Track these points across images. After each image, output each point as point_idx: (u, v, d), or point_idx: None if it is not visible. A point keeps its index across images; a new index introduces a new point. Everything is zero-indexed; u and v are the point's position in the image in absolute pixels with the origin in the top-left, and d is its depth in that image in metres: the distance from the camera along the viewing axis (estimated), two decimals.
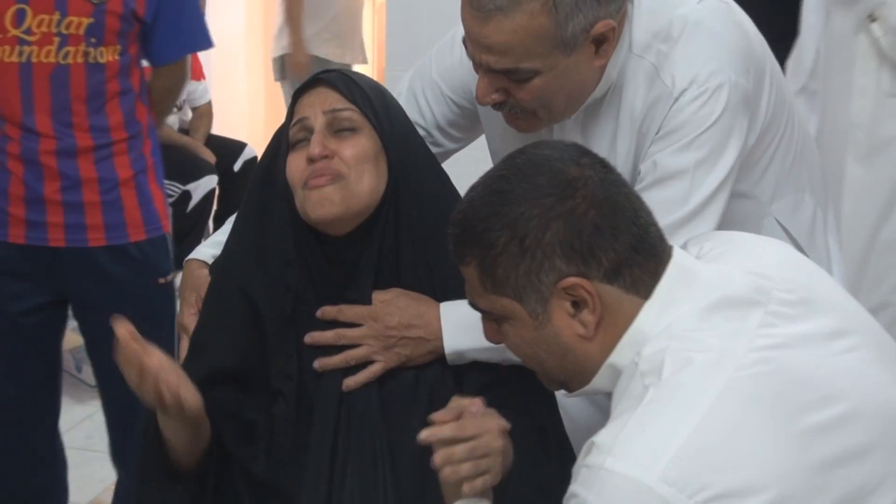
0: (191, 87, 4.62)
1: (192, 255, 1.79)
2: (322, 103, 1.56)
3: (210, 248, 1.78)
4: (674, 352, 1.23)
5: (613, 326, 1.29)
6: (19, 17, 2.25)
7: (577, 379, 1.35)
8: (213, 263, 1.72)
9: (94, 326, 2.48)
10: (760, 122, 1.70)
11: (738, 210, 1.71)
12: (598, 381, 1.32)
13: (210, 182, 4.60)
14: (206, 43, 2.57)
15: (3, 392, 2.49)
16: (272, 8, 6.72)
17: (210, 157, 4.73)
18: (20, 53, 2.28)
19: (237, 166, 4.90)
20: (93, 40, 2.29)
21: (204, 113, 4.96)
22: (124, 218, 2.41)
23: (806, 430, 1.20)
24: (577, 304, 1.28)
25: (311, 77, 1.62)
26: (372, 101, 1.59)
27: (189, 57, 2.57)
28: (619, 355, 1.29)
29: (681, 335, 1.25)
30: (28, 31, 2.27)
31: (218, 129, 5.11)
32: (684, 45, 1.62)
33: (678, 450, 1.15)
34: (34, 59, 2.28)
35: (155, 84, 2.51)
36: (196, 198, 4.52)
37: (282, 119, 1.65)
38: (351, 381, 1.59)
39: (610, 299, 1.28)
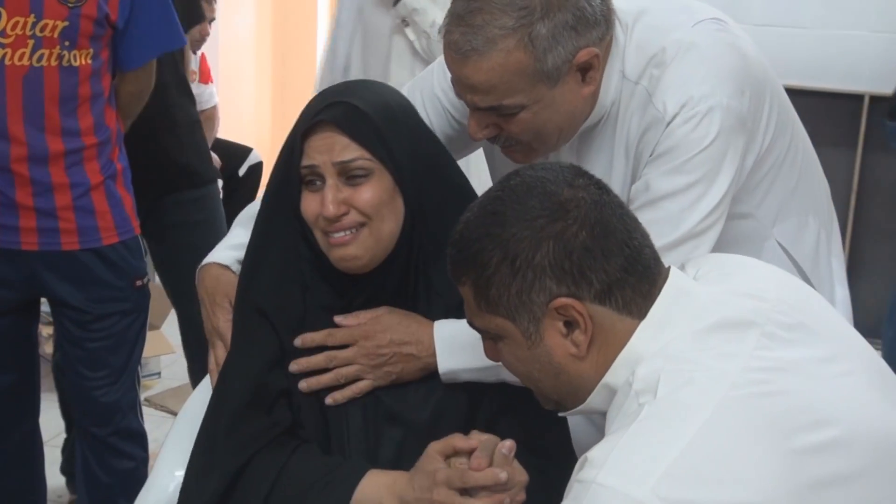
0: (198, 90, 4.60)
1: (212, 259, 1.75)
2: (330, 152, 1.54)
3: (228, 250, 1.76)
4: (669, 372, 1.24)
5: (606, 346, 1.30)
6: None
7: (571, 398, 1.36)
8: (239, 285, 1.68)
9: (67, 326, 2.52)
10: (759, 144, 1.68)
11: (739, 231, 1.70)
12: (593, 401, 1.33)
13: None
14: (177, 41, 2.57)
15: None
16: (281, 11, 6.73)
17: (216, 161, 4.72)
18: None
19: (242, 171, 4.89)
20: (66, 43, 2.30)
21: (210, 116, 4.94)
22: (97, 221, 2.42)
23: (797, 451, 1.20)
24: (570, 325, 1.30)
25: (313, 114, 1.56)
26: (381, 134, 1.55)
27: (154, 62, 2.56)
28: (614, 375, 1.30)
29: (676, 355, 1.26)
30: (2, 34, 2.28)
31: (224, 133, 5.11)
32: (675, 69, 1.60)
33: (669, 466, 1.16)
34: (7, 62, 2.29)
35: (122, 89, 2.51)
36: None
37: (288, 125, 1.63)
38: (338, 395, 1.59)
39: (602, 320, 1.29)
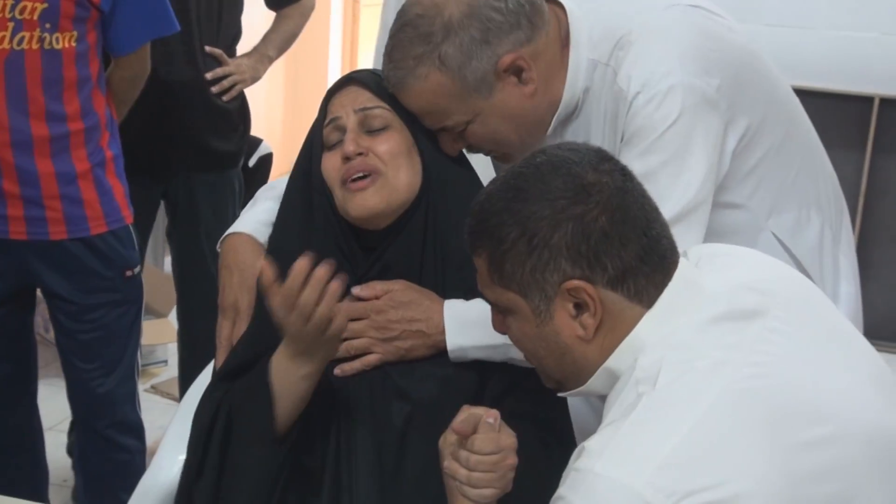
0: None
1: (243, 229, 1.75)
2: (353, 102, 1.62)
3: (259, 224, 1.75)
4: (670, 362, 1.26)
5: (613, 332, 1.32)
6: None
7: (572, 379, 1.38)
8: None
9: (59, 316, 2.50)
10: (742, 129, 1.69)
11: (730, 221, 1.72)
12: (594, 384, 1.35)
13: None
14: (170, 27, 2.53)
15: None
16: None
17: None
18: None
19: (252, 161, 4.89)
20: (48, 26, 2.25)
21: None
22: (84, 210, 2.40)
23: (793, 445, 1.22)
24: (580, 307, 1.32)
25: (342, 77, 1.67)
26: None
27: (147, 47, 2.52)
28: (616, 360, 1.32)
29: (678, 345, 1.28)
30: None
31: None
32: (638, 50, 1.63)
33: (667, 456, 1.18)
34: None
35: (115, 75, 2.48)
36: None
37: (300, 117, 1.69)
38: (346, 367, 1.62)
39: (612, 305, 1.31)
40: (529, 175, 1.34)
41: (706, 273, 1.37)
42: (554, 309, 1.32)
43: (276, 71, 6.84)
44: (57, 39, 2.28)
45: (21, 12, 2.23)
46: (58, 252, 2.41)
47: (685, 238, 1.55)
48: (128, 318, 2.56)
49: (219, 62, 2.98)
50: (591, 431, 1.29)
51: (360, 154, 1.59)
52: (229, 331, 1.70)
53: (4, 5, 2.22)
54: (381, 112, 1.62)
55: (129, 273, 2.52)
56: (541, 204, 1.30)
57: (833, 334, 1.38)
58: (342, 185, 1.60)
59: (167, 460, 1.85)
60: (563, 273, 1.30)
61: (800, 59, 4.38)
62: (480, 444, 1.40)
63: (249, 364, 1.62)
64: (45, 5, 2.24)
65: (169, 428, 1.90)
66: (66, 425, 3.24)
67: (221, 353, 1.70)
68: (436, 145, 1.67)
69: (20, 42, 2.25)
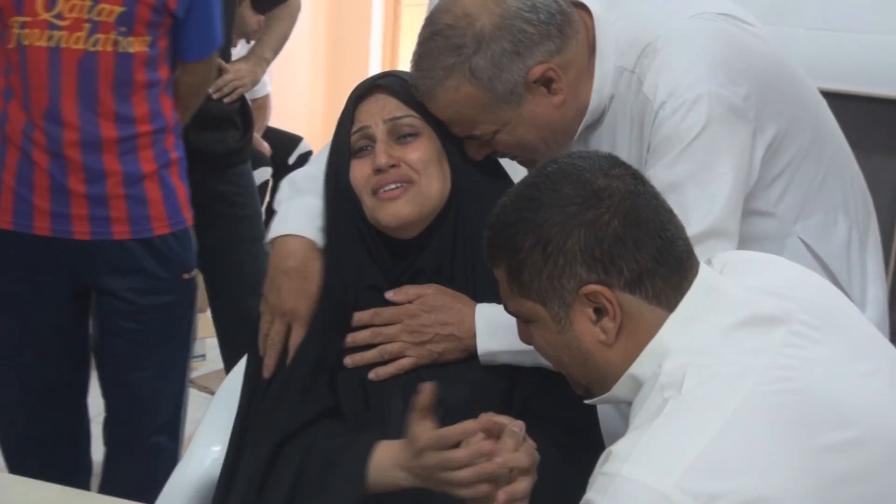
0: None
1: (295, 231, 1.68)
2: (381, 111, 1.62)
3: (311, 224, 1.69)
4: (695, 367, 1.26)
5: (635, 335, 1.32)
6: (51, 2, 2.25)
7: (598, 384, 1.39)
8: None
9: (112, 316, 2.49)
10: (770, 136, 1.69)
11: (757, 229, 1.71)
12: (619, 390, 1.36)
13: (264, 174, 4.63)
14: (220, 39, 2.55)
15: (33, 383, 2.51)
16: (335, 1, 6.77)
17: (266, 149, 4.76)
18: (49, 38, 2.27)
19: (292, 159, 4.94)
20: (123, 29, 2.28)
21: (262, 105, 5.00)
22: (149, 211, 2.40)
23: (820, 448, 1.22)
24: (599, 312, 1.32)
25: (367, 83, 1.65)
26: None
27: (215, 55, 2.55)
28: (641, 366, 1.32)
29: (702, 351, 1.28)
30: (59, 16, 2.26)
31: (276, 121, 5.16)
32: (664, 58, 1.63)
33: (694, 459, 1.18)
34: (63, 45, 2.27)
35: (182, 80, 2.50)
36: None
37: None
38: (381, 371, 1.64)
39: (631, 308, 1.31)
40: (541, 184, 1.35)
41: (729, 279, 1.37)
42: (573, 315, 1.33)
43: (318, 70, 6.88)
44: (130, 43, 2.30)
45: (98, 14, 2.26)
46: (119, 252, 2.41)
47: (717, 250, 1.55)
48: (182, 322, 2.56)
49: (219, 70, 3.01)
50: (619, 435, 1.29)
51: (392, 166, 1.59)
52: (283, 335, 1.67)
53: (82, 6, 2.25)
54: (411, 120, 1.62)
55: (185, 276, 2.52)
56: (553, 211, 1.32)
57: (857, 338, 1.37)
58: (373, 195, 1.61)
59: (200, 453, 1.88)
60: (579, 278, 1.31)
61: (841, 63, 4.34)
62: (511, 461, 1.43)
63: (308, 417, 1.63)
64: (123, 9, 2.27)
65: (202, 421, 1.93)
66: (102, 418, 3.27)
67: (272, 356, 1.67)
68: (462, 153, 1.67)
69: (95, 44, 2.28)
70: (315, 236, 1.68)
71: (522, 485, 1.43)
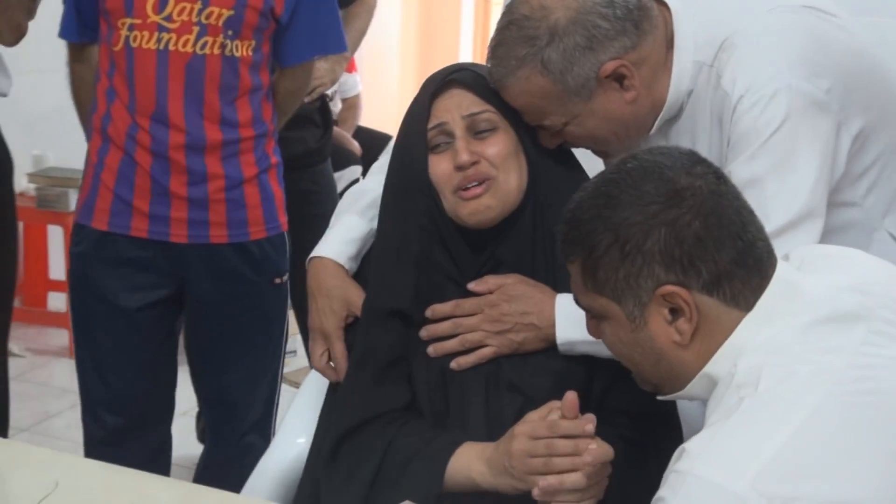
0: (342, 78, 4.70)
1: (327, 254, 1.78)
2: (459, 107, 1.63)
3: (343, 245, 1.78)
4: (771, 366, 1.24)
5: (710, 337, 1.30)
6: (161, 4, 2.25)
7: (669, 384, 1.37)
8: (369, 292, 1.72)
9: (203, 320, 2.49)
10: (857, 130, 1.66)
11: (842, 219, 1.68)
12: (692, 389, 1.34)
13: (354, 172, 4.68)
14: (339, 46, 2.55)
15: (124, 385, 2.49)
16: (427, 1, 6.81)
17: (356, 148, 4.82)
18: (158, 40, 2.27)
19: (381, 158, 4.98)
20: (230, 33, 2.28)
21: (353, 105, 5.06)
22: (247, 215, 2.40)
23: None
24: (675, 312, 1.30)
25: (442, 77, 1.67)
26: (503, 97, 1.64)
27: (313, 61, 2.54)
28: (716, 366, 1.30)
29: (779, 349, 1.26)
30: (168, 18, 2.26)
31: (368, 121, 5.21)
32: (742, 53, 1.62)
33: (769, 460, 1.16)
34: (171, 48, 2.27)
35: (280, 84, 2.49)
36: (340, 187, 4.57)
37: None
38: (462, 361, 1.65)
39: (708, 310, 1.29)
40: (620, 181, 1.33)
41: (808, 275, 1.34)
42: (648, 314, 1.31)
43: (409, 69, 6.93)
44: (237, 47, 2.30)
45: (207, 17, 2.26)
46: (214, 256, 2.40)
47: (797, 245, 1.53)
48: (274, 326, 2.54)
49: None
50: (699, 427, 1.28)
51: (473, 163, 1.61)
52: (321, 353, 1.75)
53: (192, 9, 2.25)
54: (489, 115, 1.63)
55: (277, 280, 2.50)
56: (632, 210, 1.30)
57: None
58: (454, 192, 1.62)
59: (284, 445, 1.91)
60: (657, 279, 1.29)
61: None
62: (579, 425, 1.46)
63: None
64: (231, 13, 2.26)
65: (287, 413, 1.96)
66: (195, 411, 3.34)
67: (328, 374, 1.75)
68: (537, 143, 1.68)
69: (203, 47, 2.28)
70: (339, 255, 1.76)
71: (573, 478, 1.46)
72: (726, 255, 1.28)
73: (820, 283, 1.33)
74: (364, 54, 5.51)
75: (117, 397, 2.50)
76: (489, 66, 1.65)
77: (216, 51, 2.29)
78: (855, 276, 1.36)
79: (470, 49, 6.99)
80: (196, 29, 2.26)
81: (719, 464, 1.17)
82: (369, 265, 1.74)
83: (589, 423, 1.48)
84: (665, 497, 1.20)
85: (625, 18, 1.61)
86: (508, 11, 1.64)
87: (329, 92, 3.33)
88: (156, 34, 2.27)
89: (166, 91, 2.29)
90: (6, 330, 2.85)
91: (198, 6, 2.25)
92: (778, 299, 1.29)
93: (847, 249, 1.46)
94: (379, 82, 6.28)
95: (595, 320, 1.40)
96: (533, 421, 1.51)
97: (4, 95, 2.71)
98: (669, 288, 1.28)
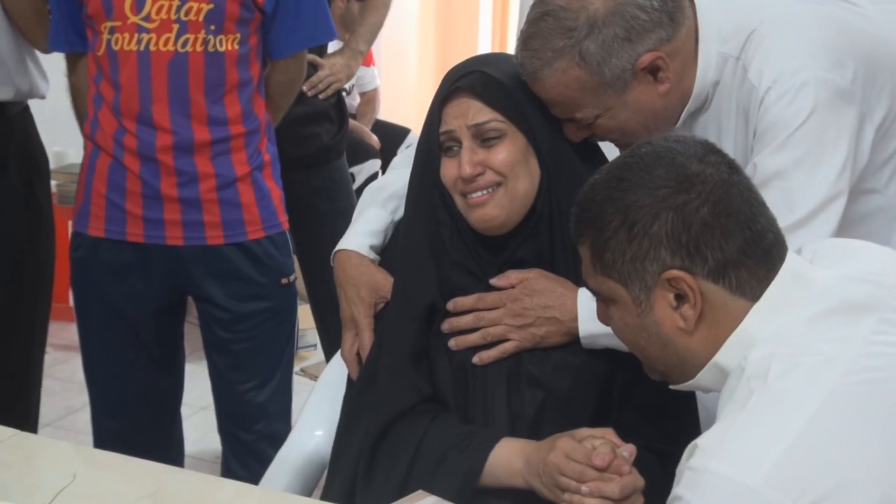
0: (360, 72, 4.72)
1: (351, 246, 1.81)
2: (465, 116, 1.63)
3: (365, 237, 1.81)
4: (781, 356, 1.23)
5: (717, 325, 1.30)
6: (138, 4, 2.21)
7: (677, 371, 1.37)
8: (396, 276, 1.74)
9: (211, 325, 2.46)
10: (880, 118, 1.66)
11: (865, 207, 1.68)
12: (703, 379, 1.34)
13: (373, 166, 4.70)
14: (329, 34, 2.51)
15: (127, 390, 2.48)
16: None
17: (375, 142, 4.83)
18: (139, 41, 2.23)
19: (400, 151, 4.99)
20: (212, 27, 2.23)
21: (371, 98, 5.07)
22: (242, 214, 2.36)
23: None
24: (680, 298, 1.31)
25: (448, 84, 1.66)
26: (514, 98, 1.63)
27: (305, 52, 2.49)
28: (726, 355, 1.30)
29: (789, 340, 1.25)
30: (147, 18, 2.22)
31: (386, 114, 5.22)
32: (769, 45, 1.62)
33: (783, 452, 1.15)
34: (152, 48, 2.24)
35: (272, 78, 2.44)
36: (359, 181, 4.61)
37: None
38: (484, 355, 1.66)
39: (713, 298, 1.29)
40: (633, 164, 1.33)
41: (820, 267, 1.34)
42: (654, 299, 1.31)
43: (427, 63, 6.94)
44: (220, 42, 2.25)
45: (186, 14, 2.22)
46: (213, 258, 2.37)
47: (818, 236, 1.53)
48: (283, 329, 2.51)
49: (314, 66, 3.02)
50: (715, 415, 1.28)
51: (478, 175, 1.61)
52: (351, 343, 1.76)
53: (170, 7, 2.21)
54: (495, 124, 1.61)
55: (283, 281, 2.46)
56: (642, 193, 1.30)
57: None
58: (462, 197, 1.63)
59: (302, 437, 1.92)
60: (662, 263, 1.29)
61: None
62: (618, 465, 1.48)
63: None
64: (211, 6, 2.22)
65: (304, 407, 1.97)
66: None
67: (352, 367, 1.76)
68: (551, 142, 1.67)
69: (184, 44, 2.24)
70: (362, 247, 1.79)
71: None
72: (734, 244, 1.28)
73: (830, 274, 1.33)
74: (382, 47, 5.52)
75: (116, 402, 2.50)
76: (520, 58, 1.63)
77: (199, 48, 2.25)
78: (866, 266, 1.35)
79: (489, 41, 6.99)
80: (176, 27, 2.22)
81: (734, 459, 1.17)
82: (391, 255, 1.77)
83: (624, 464, 1.50)
84: (682, 496, 1.20)
85: (661, 10, 1.60)
86: (542, 2, 1.62)
87: (346, 86, 3.33)
88: (136, 35, 2.24)
89: (150, 92, 2.26)
90: (45, 328, 2.85)
91: (176, 3, 2.22)
92: (787, 289, 1.29)
93: (861, 242, 1.46)
94: (397, 75, 6.29)
95: (603, 305, 1.41)
96: (576, 439, 1.52)
97: (42, 97, 2.71)
98: (674, 272, 1.29)
